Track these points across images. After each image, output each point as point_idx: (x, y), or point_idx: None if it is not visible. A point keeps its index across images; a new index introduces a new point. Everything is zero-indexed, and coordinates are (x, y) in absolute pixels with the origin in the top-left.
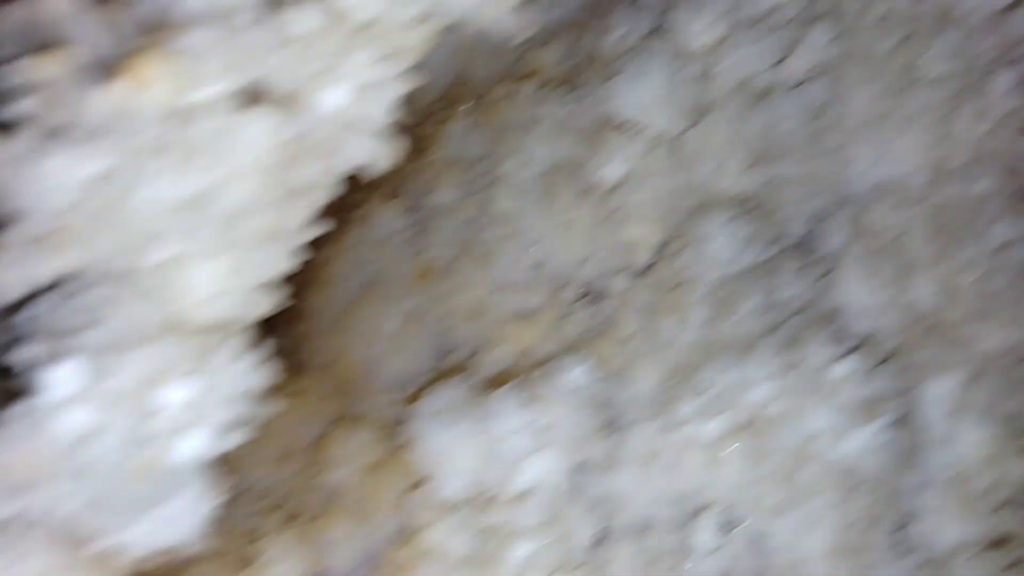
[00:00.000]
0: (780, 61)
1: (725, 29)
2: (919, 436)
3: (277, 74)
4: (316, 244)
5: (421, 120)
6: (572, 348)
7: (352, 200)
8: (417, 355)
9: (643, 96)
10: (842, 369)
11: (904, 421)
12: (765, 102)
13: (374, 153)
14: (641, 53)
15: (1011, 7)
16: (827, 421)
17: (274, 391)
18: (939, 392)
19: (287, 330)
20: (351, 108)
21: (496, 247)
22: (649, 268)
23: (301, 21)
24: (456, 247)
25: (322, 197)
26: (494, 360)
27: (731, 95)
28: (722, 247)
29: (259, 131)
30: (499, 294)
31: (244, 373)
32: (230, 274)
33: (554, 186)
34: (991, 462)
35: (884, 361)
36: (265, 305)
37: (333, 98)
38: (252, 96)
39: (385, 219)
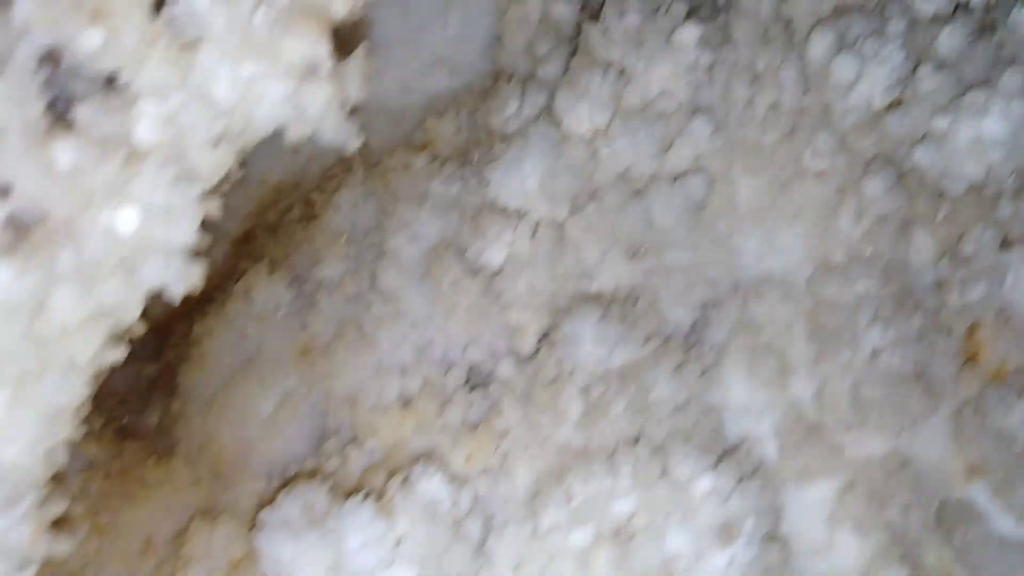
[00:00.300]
0: (663, 151)
1: (609, 116)
2: (790, 548)
3: (48, 201)
4: (194, 318)
5: (313, 186)
6: (436, 453)
7: (234, 270)
8: (292, 441)
9: (527, 181)
10: (707, 483)
11: (772, 535)
12: (647, 192)
13: (176, 274)
14: (528, 135)
15: (889, 107)
16: (689, 541)
17: (138, 479)
18: (812, 501)
19: (161, 408)
20: (144, 230)
21: (380, 327)
22: (531, 357)
23: (68, 150)
24: (339, 325)
25: (128, 318)
26: (365, 452)
27: (614, 184)
28: (598, 342)
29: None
30: (380, 377)
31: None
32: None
33: (439, 266)
34: (867, 572)
35: (755, 471)
36: (61, 434)
37: (121, 221)
38: (18, 230)
39: (268, 292)
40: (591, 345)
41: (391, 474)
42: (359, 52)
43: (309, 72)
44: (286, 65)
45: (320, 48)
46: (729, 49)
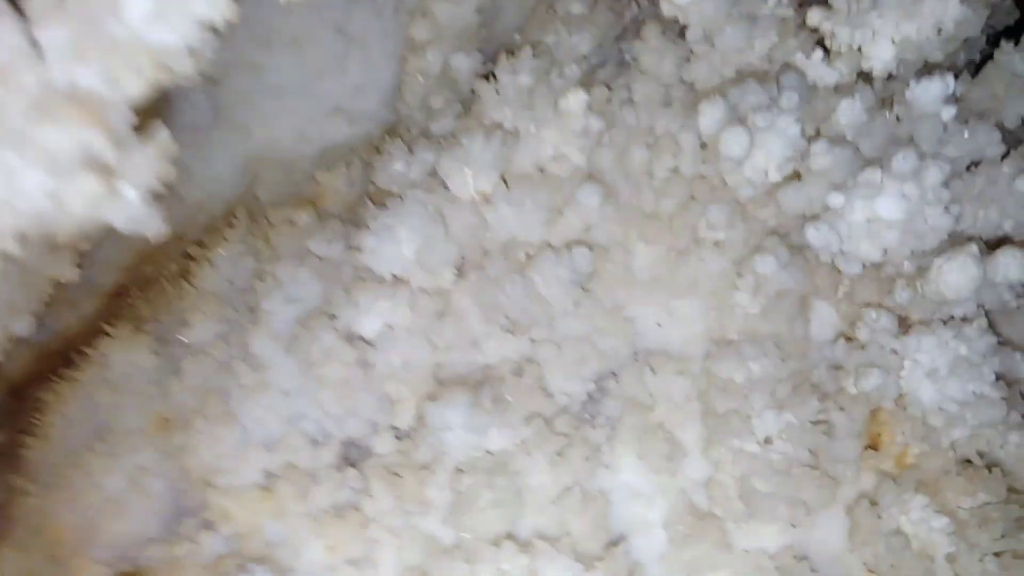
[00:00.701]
0: (553, 218)
1: (495, 181)
2: None
3: None
4: (43, 385)
5: (194, 239)
6: (291, 542)
7: (94, 332)
8: (141, 522)
9: (402, 248)
10: None
11: None
12: (537, 260)
13: None
14: (412, 198)
15: (785, 181)
16: None
17: None
18: None
19: (1, 485)
20: None
21: (247, 397)
22: (410, 434)
23: None
24: (203, 394)
25: None
26: (220, 539)
27: (501, 252)
28: (470, 428)
29: None
30: (243, 454)
31: None
32: None
33: (313, 332)
34: None
35: (634, 572)
36: None
37: None
38: None
39: (128, 356)
40: (462, 430)
41: (241, 567)
42: (159, 136)
43: (78, 162)
44: (43, 155)
45: (90, 137)
46: (629, 111)
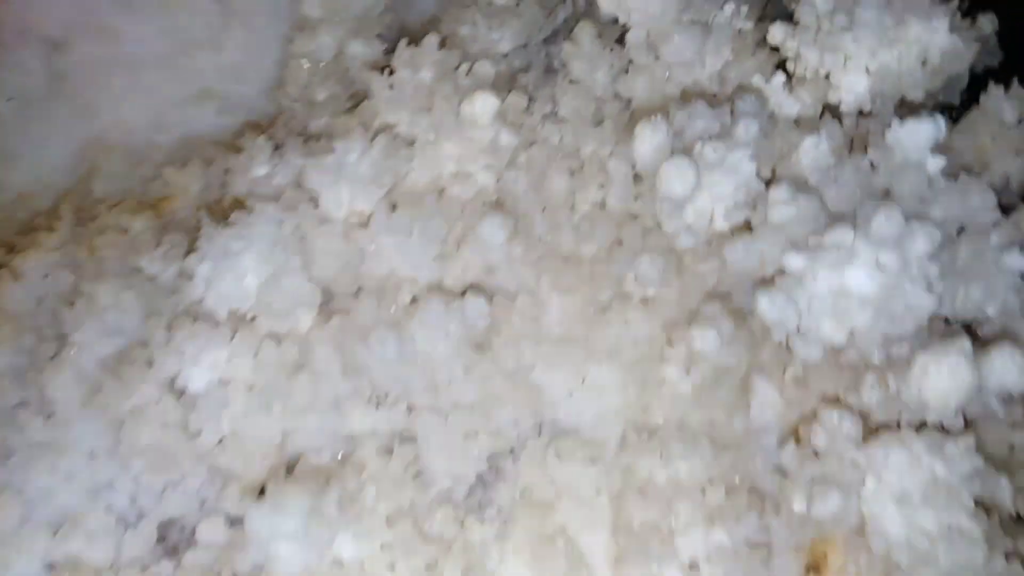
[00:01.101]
0: (447, 253)
1: (377, 201)
2: None
3: None
4: None
5: (4, 242)
6: None
7: None
8: None
9: (245, 280)
10: None
11: None
12: (423, 305)
13: None
14: (263, 215)
15: (734, 232)
16: None
17: None
18: None
19: None
20: None
21: (35, 457)
22: (238, 526)
23: None
24: None
25: None
26: None
27: (378, 291)
28: (312, 538)
29: None
30: (23, 537)
31: None
32: None
33: (126, 380)
34: None
35: None
36: None
37: None
38: None
39: None
40: (296, 542)
41: None
42: None
43: None
44: None
45: None
46: (551, 126)
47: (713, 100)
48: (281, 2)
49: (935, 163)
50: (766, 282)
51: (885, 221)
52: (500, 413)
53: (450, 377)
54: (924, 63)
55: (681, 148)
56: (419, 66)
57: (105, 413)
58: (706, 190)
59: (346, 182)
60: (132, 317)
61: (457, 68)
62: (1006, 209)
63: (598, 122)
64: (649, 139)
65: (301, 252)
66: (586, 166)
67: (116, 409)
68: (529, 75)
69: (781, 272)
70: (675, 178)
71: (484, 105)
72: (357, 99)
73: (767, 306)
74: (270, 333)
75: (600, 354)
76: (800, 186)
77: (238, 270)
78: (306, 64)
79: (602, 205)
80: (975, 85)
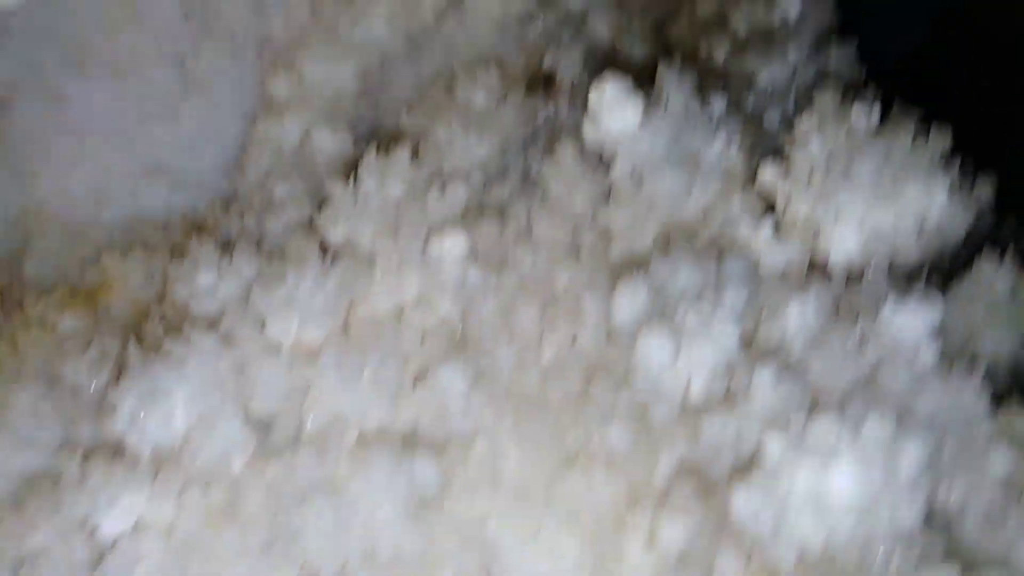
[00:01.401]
0: (398, 396)
1: (327, 331)
2: None
3: None
4: None
5: None
6: None
7: None
8: None
9: (182, 416)
10: None
11: None
12: (368, 453)
13: None
14: (199, 344)
15: (709, 406)
16: None
17: None
18: None
19: None
20: None
21: None
22: None
23: None
24: None
25: None
26: None
27: (313, 444)
28: None
29: None
30: None
31: None
32: None
33: (31, 512)
34: None
35: None
36: None
37: None
38: None
39: None
40: None
41: None
42: None
43: None
44: None
45: None
46: (524, 251)
47: (696, 241)
48: (246, 76)
49: (929, 352)
50: (744, 470)
51: (878, 426)
52: (447, 563)
53: (392, 542)
54: (921, 228)
55: (662, 308)
56: (387, 176)
57: (8, 548)
58: (685, 357)
59: (297, 311)
60: (47, 434)
61: (429, 185)
62: (997, 397)
63: (574, 251)
64: (628, 304)
65: (239, 387)
66: (559, 299)
67: (16, 548)
68: (504, 185)
69: (759, 453)
70: (654, 349)
71: (453, 245)
72: (318, 201)
73: (744, 505)
74: (197, 476)
75: (559, 514)
76: (783, 363)
77: (166, 408)
78: (267, 149)
79: (573, 344)
80: (966, 247)
